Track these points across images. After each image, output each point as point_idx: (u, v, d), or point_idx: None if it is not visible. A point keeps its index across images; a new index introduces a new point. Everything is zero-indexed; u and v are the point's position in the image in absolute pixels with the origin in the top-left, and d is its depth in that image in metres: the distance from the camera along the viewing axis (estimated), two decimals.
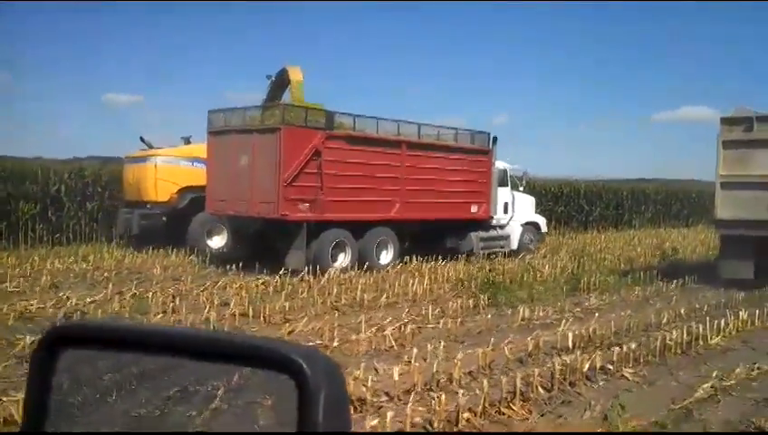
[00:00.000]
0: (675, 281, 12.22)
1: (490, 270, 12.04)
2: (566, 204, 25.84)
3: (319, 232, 12.67)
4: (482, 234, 15.21)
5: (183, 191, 15.50)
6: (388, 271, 12.79)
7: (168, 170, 15.56)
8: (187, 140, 16.46)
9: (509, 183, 15.98)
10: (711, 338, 7.49)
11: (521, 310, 8.80)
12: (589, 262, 14.46)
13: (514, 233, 15.94)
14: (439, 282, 11.83)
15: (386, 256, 13.64)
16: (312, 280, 11.36)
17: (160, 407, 1.09)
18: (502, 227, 15.77)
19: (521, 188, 16.70)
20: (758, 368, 6.37)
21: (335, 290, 10.37)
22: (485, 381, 4.97)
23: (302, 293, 10.20)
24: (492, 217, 15.40)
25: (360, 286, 10.59)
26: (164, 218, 15.43)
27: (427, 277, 11.81)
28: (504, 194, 15.69)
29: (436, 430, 5.05)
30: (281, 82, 14.75)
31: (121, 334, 1.11)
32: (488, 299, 9.82)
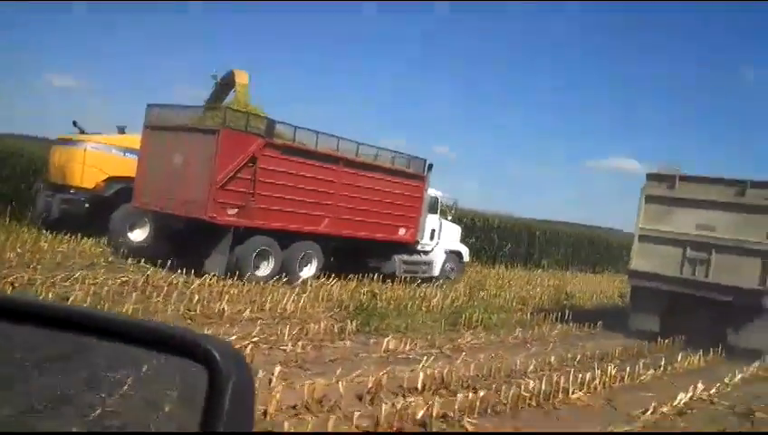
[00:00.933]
0: (560, 326, 12.11)
1: (374, 294, 11.54)
2: (478, 236, 25.45)
3: (244, 238, 12.63)
4: (405, 257, 15.39)
5: (111, 180, 15.18)
6: (267, 284, 12.11)
7: (98, 157, 15.20)
8: (122, 130, 16.14)
9: (438, 210, 16.21)
10: (572, 392, 7.05)
11: (387, 341, 8.31)
12: (482, 297, 14.16)
13: (437, 260, 16.13)
14: (319, 300, 11.33)
15: (308, 270, 13.67)
16: (180, 282, 10.87)
17: (73, 387, 1.10)
18: (426, 252, 15.96)
19: (449, 217, 16.95)
20: (611, 430, 6.08)
21: (197, 297, 9.63)
22: (286, 423, 4.61)
23: (159, 296, 9.46)
24: (417, 242, 15.59)
25: (228, 296, 10.14)
26: (86, 205, 15.03)
27: (307, 294, 11.36)
28: (432, 221, 15.90)
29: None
30: (227, 84, 14.69)
31: (39, 310, 1.15)
32: (358, 325, 9.25)
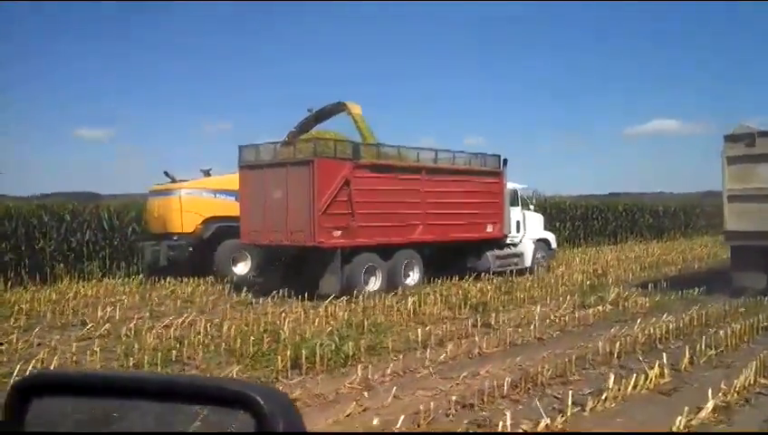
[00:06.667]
0: (452, 345, 8.49)
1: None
2: None
3: (351, 257, 13.35)
4: (497, 252, 16.06)
5: (207, 221, 16.05)
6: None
7: (193, 202, 16.08)
8: (207, 173, 17.01)
9: (519, 202, 16.87)
10: None
11: None
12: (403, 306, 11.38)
13: (527, 250, 16.79)
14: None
15: (412, 277, 14.38)
16: None
17: None
18: (515, 245, 16.62)
19: (531, 207, 17.61)
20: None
21: None
22: None
23: None
24: (506, 236, 16.26)
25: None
26: (190, 248, 15.93)
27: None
28: (515, 213, 16.58)
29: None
30: (319, 115, 15.53)
31: (88, 381, 1.18)
32: None
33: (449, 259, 15.49)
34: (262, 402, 0.97)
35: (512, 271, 15.87)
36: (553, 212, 26.38)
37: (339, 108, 15.52)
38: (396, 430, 4.99)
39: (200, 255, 15.85)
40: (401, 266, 14.16)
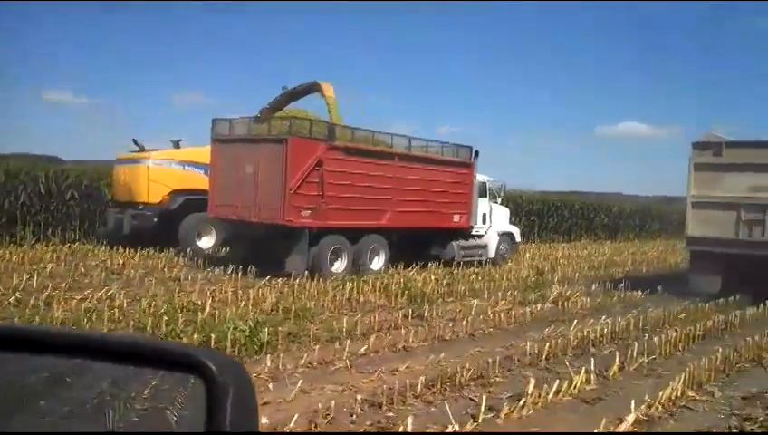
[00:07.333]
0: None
1: None
2: None
3: (318, 238, 13.34)
4: (462, 242, 16.25)
5: (175, 193, 15.81)
6: None
7: (161, 172, 15.82)
8: (177, 144, 16.75)
9: (488, 195, 17.07)
10: None
11: None
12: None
13: (491, 242, 17.03)
14: None
15: (377, 263, 14.44)
16: None
17: (80, 409, 1.07)
18: (480, 236, 16.83)
19: (498, 200, 17.83)
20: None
21: None
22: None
23: None
24: (472, 227, 16.45)
25: None
26: (155, 219, 15.70)
27: None
28: (482, 205, 16.76)
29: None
30: (293, 94, 15.37)
31: (38, 337, 1.12)
32: None
33: (415, 246, 15.59)
34: (213, 369, 0.97)
35: (464, 262, 15.99)
36: (510, 206, 25.34)
37: (313, 88, 15.43)
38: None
39: (165, 226, 15.63)
40: (367, 251, 14.20)
